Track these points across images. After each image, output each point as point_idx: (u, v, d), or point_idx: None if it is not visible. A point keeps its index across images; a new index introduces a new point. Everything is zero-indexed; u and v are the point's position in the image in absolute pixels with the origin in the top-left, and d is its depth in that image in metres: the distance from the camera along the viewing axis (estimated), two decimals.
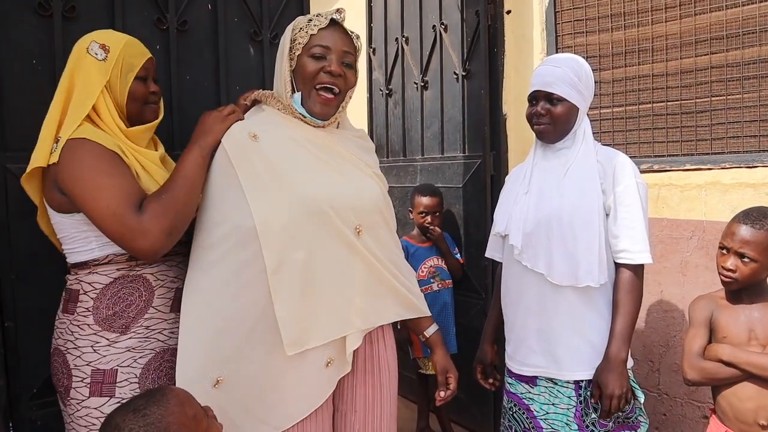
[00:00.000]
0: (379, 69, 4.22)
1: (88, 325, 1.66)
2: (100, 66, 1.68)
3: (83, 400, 1.65)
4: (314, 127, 1.74)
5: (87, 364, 1.64)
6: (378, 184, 1.81)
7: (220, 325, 1.60)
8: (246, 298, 1.60)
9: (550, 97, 2.01)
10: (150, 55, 1.82)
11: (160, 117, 1.86)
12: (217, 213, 1.65)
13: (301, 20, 1.71)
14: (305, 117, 1.72)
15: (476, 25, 3.33)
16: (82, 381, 1.65)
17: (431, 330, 1.93)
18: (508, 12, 3.35)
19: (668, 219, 2.78)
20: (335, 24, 1.71)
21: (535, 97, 2.05)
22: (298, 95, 1.72)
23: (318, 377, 1.66)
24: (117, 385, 1.64)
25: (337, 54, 1.69)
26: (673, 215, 2.77)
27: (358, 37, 1.76)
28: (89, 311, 1.66)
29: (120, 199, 1.57)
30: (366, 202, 1.73)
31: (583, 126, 2.05)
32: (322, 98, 1.69)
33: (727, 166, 2.63)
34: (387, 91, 4.14)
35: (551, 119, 2.01)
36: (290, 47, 1.71)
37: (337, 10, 1.73)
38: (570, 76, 2.00)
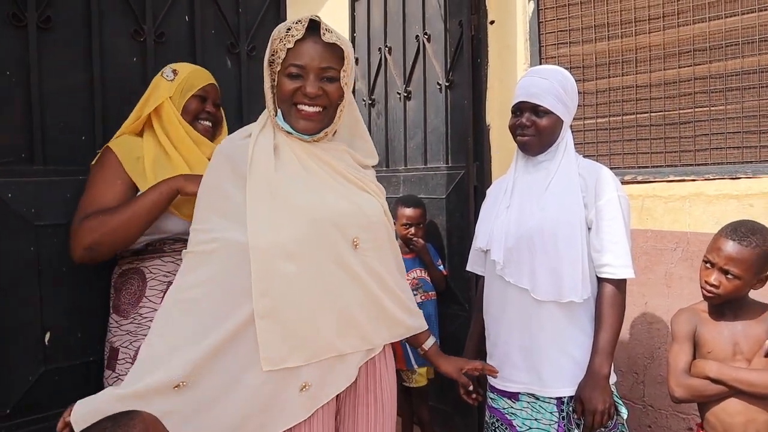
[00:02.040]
0: (362, 79, 4.20)
1: (110, 308, 1.99)
2: (168, 85, 2.01)
3: (104, 369, 1.97)
4: (307, 142, 1.66)
5: (107, 341, 1.98)
6: (376, 198, 1.75)
7: (192, 329, 1.52)
8: (226, 308, 1.53)
9: (536, 109, 1.99)
10: (212, 81, 2.12)
11: (218, 137, 2.13)
12: (209, 220, 1.60)
13: (280, 29, 1.60)
14: (292, 133, 1.64)
15: (459, 36, 3.31)
16: (105, 353, 1.98)
17: (429, 343, 1.92)
18: (492, 22, 3.34)
19: (652, 230, 2.78)
20: (314, 33, 1.58)
21: (520, 108, 2.03)
22: (281, 112, 1.65)
23: (289, 401, 1.57)
24: (117, 361, 1.92)
25: (315, 72, 1.59)
26: (657, 227, 2.77)
27: (341, 40, 1.60)
28: (111, 297, 2.00)
29: (86, 204, 1.86)
30: (365, 218, 1.67)
31: (566, 139, 2.03)
32: (302, 113, 1.61)
33: (711, 178, 2.63)
34: (370, 102, 4.12)
35: (536, 131, 1.99)
36: (270, 61, 1.63)
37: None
38: (557, 88, 1.98)
